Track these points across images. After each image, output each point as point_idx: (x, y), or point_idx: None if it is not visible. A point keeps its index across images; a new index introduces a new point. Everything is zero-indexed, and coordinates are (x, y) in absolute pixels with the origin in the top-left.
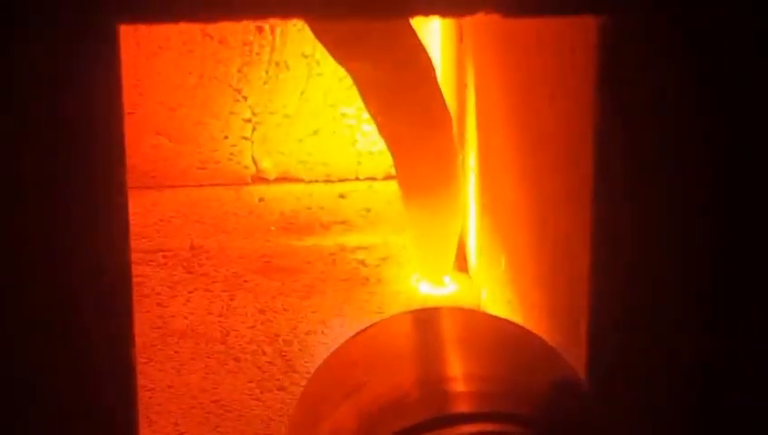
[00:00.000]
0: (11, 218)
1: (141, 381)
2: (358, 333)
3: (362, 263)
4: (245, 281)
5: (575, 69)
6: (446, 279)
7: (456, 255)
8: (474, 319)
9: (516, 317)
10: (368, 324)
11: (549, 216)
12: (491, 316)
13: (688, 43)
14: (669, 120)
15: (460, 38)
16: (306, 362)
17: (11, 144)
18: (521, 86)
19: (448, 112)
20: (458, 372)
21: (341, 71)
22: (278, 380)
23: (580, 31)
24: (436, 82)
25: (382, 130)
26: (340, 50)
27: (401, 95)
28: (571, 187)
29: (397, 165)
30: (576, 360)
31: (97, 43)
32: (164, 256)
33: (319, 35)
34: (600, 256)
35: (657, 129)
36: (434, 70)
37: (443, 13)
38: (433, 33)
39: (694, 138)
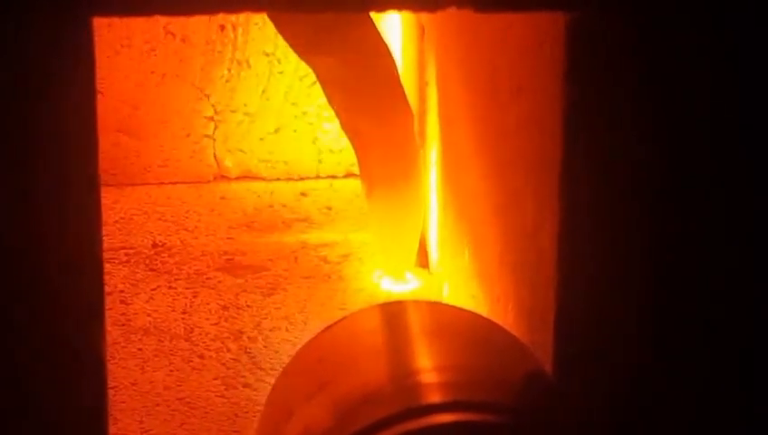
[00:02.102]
0: None
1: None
2: (326, 329)
3: (324, 260)
4: (208, 278)
5: (543, 64)
6: (408, 275)
7: (417, 251)
8: (440, 311)
9: (482, 311)
10: (332, 320)
11: (514, 209)
12: (457, 308)
13: (655, 39)
14: (636, 115)
15: (421, 35)
16: (271, 359)
17: None
18: (485, 81)
19: (410, 108)
20: (428, 363)
21: (303, 69)
22: (243, 376)
23: (549, 26)
24: (398, 77)
25: (344, 125)
26: (303, 45)
27: (363, 90)
28: (538, 180)
29: (359, 161)
30: (543, 352)
31: (71, 36)
32: (126, 254)
33: (282, 30)
34: (566, 249)
35: (623, 124)
36: (395, 66)
37: (414, 8)
38: (394, 29)
39: (659, 133)
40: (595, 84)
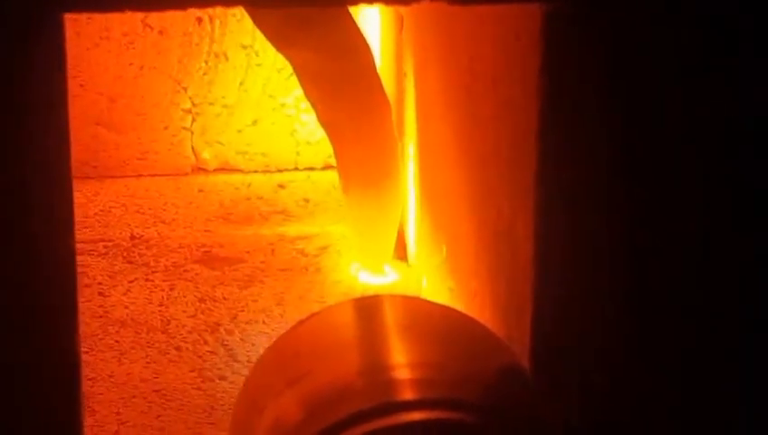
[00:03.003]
0: None
1: (83, 370)
2: (300, 322)
3: (302, 252)
4: (185, 271)
5: (519, 56)
6: (386, 268)
7: (396, 243)
8: (416, 306)
9: (458, 306)
10: (309, 313)
11: (491, 203)
12: (433, 303)
13: (631, 32)
14: (614, 106)
15: (400, 27)
16: (248, 352)
17: None
18: (462, 74)
19: (388, 101)
20: (402, 359)
21: (280, 61)
22: (219, 369)
23: (525, 18)
24: (375, 70)
25: (322, 118)
26: (280, 38)
27: (340, 83)
28: (513, 174)
29: (337, 154)
30: (520, 347)
31: (42, 33)
32: (104, 246)
33: (259, 23)
34: (543, 242)
35: (601, 115)
36: (373, 58)
37: (387, 1)
38: (372, 21)
39: (635, 126)
40: (571, 77)
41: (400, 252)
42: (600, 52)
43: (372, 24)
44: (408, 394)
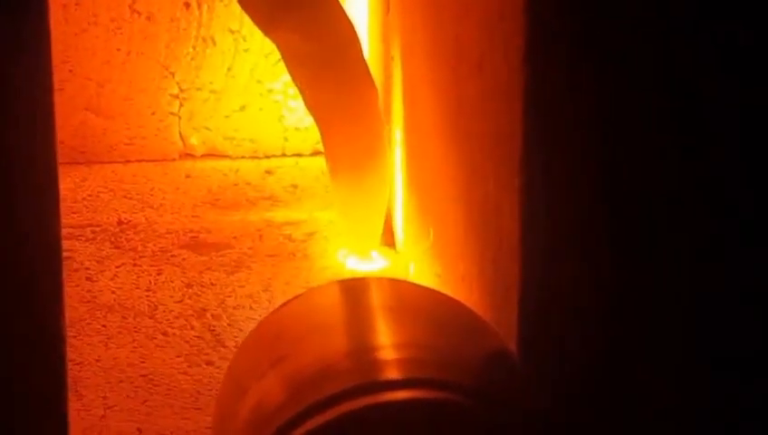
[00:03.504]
0: None
1: (70, 355)
2: (284, 304)
3: (289, 238)
4: (173, 256)
5: (504, 37)
6: (374, 254)
7: (383, 229)
8: (401, 288)
9: (446, 290)
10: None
11: (477, 186)
12: (419, 286)
13: (616, 13)
14: (599, 87)
15: (386, 10)
16: (235, 337)
17: None
18: (448, 56)
19: (374, 85)
20: (387, 339)
21: (268, 46)
22: (206, 354)
23: (510, 0)
24: (361, 54)
25: (309, 103)
26: (266, 20)
27: (326, 67)
28: (499, 156)
29: (324, 138)
30: (507, 331)
31: (27, 14)
32: (92, 231)
33: (245, 6)
34: (530, 225)
35: (586, 97)
36: (359, 42)
37: None
38: (359, 5)
39: (620, 108)
40: (556, 58)
41: (388, 238)
42: (586, 31)
43: (359, 7)
44: (392, 374)
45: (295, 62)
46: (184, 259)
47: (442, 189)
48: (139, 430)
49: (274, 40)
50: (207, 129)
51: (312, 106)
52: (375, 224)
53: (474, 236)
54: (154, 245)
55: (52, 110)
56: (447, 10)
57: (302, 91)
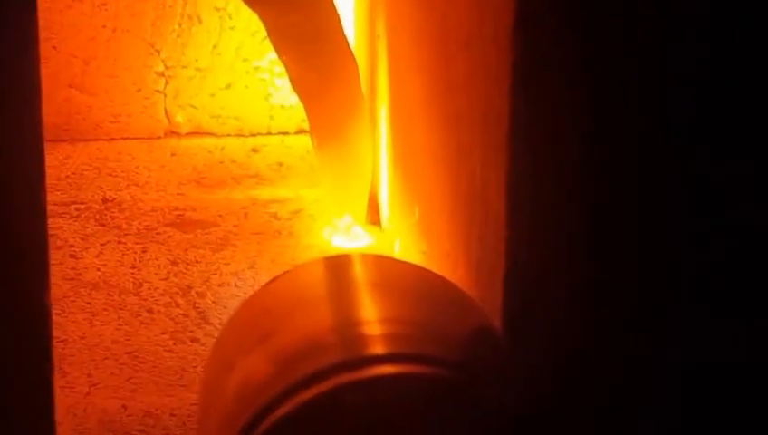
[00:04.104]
0: None
1: (54, 332)
2: (270, 281)
3: (274, 216)
4: (158, 233)
5: (493, 14)
6: (359, 231)
7: (368, 207)
8: (387, 264)
9: (431, 267)
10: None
11: (462, 164)
12: (405, 262)
13: None
14: (587, 65)
15: None
16: (220, 314)
17: None
18: (434, 33)
19: (354, 60)
20: (372, 315)
21: (254, 24)
22: (191, 331)
23: None
24: (341, 28)
25: (292, 77)
26: (256, 2)
27: (308, 41)
28: (486, 133)
29: (307, 113)
30: (492, 307)
31: None
32: (77, 209)
33: None
34: (516, 203)
35: (573, 74)
36: (338, 15)
37: None
38: None
39: (607, 87)
40: (544, 36)
41: (373, 216)
42: (573, 9)
43: None
44: (377, 349)
45: (279, 35)
46: (169, 237)
47: (428, 167)
48: (124, 407)
49: (258, 12)
50: (193, 106)
51: (295, 80)
52: (360, 196)
53: (460, 213)
54: (139, 223)
55: (38, 86)
56: None
57: (286, 67)
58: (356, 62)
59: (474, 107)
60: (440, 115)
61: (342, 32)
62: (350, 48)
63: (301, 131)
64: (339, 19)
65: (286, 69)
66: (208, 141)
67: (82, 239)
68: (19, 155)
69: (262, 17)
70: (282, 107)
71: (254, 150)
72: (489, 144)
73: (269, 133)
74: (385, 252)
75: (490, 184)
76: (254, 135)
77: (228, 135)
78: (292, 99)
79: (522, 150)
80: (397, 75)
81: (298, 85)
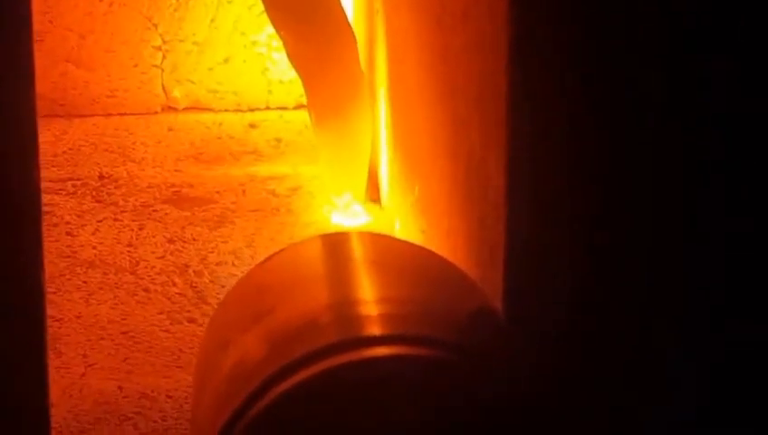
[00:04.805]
0: None
1: (49, 311)
2: (267, 259)
3: (273, 193)
4: (155, 211)
5: None
6: (359, 209)
7: (368, 184)
8: (385, 243)
9: (431, 246)
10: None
11: (461, 140)
12: (403, 241)
13: None
14: (584, 38)
15: None
16: (217, 294)
17: None
18: (433, 8)
19: (353, 35)
20: (369, 294)
21: None
22: (188, 311)
23: None
24: (340, 4)
25: (290, 52)
26: None
27: (305, 14)
28: (485, 108)
29: (305, 88)
30: (492, 287)
31: None
32: (73, 186)
33: None
34: (516, 179)
35: (571, 48)
36: None
37: None
38: None
39: (606, 60)
40: (541, 9)
41: (373, 194)
42: None
43: None
44: (374, 329)
45: (275, 10)
46: (166, 214)
47: (427, 145)
48: (120, 388)
49: None
50: (191, 81)
51: (292, 56)
52: (359, 173)
53: (459, 191)
54: (136, 199)
55: (31, 60)
56: None
57: (283, 42)
58: (355, 38)
59: (471, 82)
60: (438, 92)
61: (341, 6)
62: (348, 23)
63: (299, 106)
64: None
65: (284, 44)
66: (206, 117)
67: (78, 216)
68: (11, 130)
69: None
70: (280, 82)
71: (252, 126)
72: (487, 120)
73: (267, 108)
74: (385, 230)
75: (489, 161)
76: (252, 110)
77: (226, 110)
78: (291, 73)
79: (520, 126)
80: (395, 50)
81: (296, 61)
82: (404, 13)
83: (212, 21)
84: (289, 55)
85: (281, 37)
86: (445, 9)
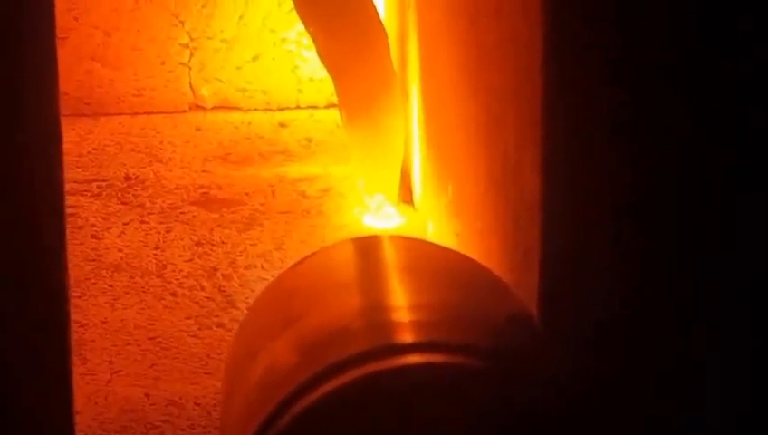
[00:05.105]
0: None
1: (74, 316)
2: (297, 263)
3: (303, 194)
4: (182, 213)
5: None
6: (391, 211)
7: (400, 185)
8: (417, 247)
9: (465, 249)
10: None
11: (496, 140)
12: (436, 245)
13: None
14: (619, 37)
15: None
16: (246, 298)
17: None
18: (465, 4)
19: (385, 31)
20: (402, 300)
21: None
22: (217, 316)
23: None
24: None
25: (321, 50)
26: None
27: (337, 12)
28: (520, 108)
29: (336, 87)
30: (527, 292)
31: None
32: (98, 187)
33: None
34: (551, 181)
35: (606, 47)
36: None
37: None
38: None
39: (642, 59)
40: (576, 6)
41: (406, 195)
42: None
43: None
44: (407, 337)
45: (305, 6)
46: (194, 216)
47: (461, 145)
48: (146, 395)
49: None
50: (219, 80)
51: (323, 53)
52: (391, 174)
53: (494, 193)
54: (163, 201)
55: (54, 57)
56: None
57: (313, 39)
58: (386, 34)
59: (505, 81)
60: (472, 90)
61: (372, 2)
62: (380, 19)
63: (330, 105)
64: None
65: (314, 41)
66: (234, 116)
67: (104, 219)
68: (35, 130)
69: None
70: (310, 80)
71: (282, 125)
72: (522, 120)
73: (297, 107)
74: (417, 233)
75: (524, 162)
76: (281, 109)
77: (255, 109)
78: (321, 71)
79: (556, 125)
80: (428, 47)
81: (326, 58)
82: (437, 9)
83: (240, 18)
84: (319, 53)
85: (310, 34)
86: (478, 6)
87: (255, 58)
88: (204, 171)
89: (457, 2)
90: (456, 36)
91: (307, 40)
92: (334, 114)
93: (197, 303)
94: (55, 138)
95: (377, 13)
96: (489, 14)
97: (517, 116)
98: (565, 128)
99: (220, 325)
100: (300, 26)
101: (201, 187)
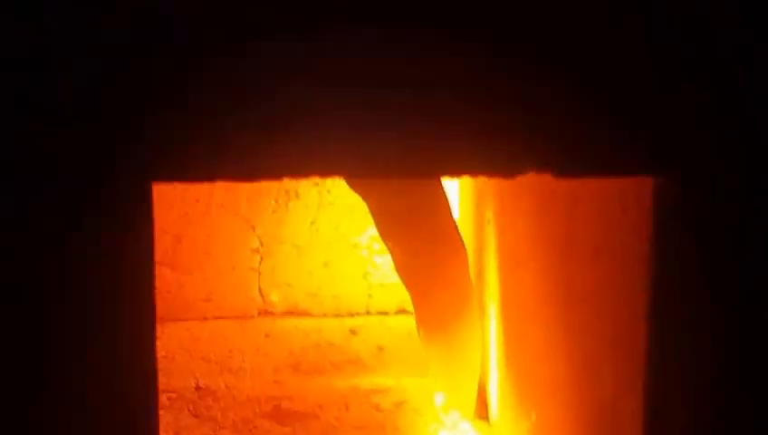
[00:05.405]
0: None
1: None
2: None
3: (377, 408)
4: (255, 426)
5: (626, 226)
6: (467, 428)
7: (477, 400)
8: None
9: None
10: None
11: (591, 380)
12: None
13: (745, 198)
14: (724, 286)
15: None
16: None
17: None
18: (557, 236)
19: (464, 249)
20: None
21: (352, 199)
22: None
23: (634, 189)
24: (451, 216)
25: (398, 265)
26: (360, 185)
27: (415, 228)
28: (618, 352)
29: (414, 304)
30: None
31: (129, 202)
32: (169, 398)
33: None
34: (652, 426)
35: (713, 294)
36: (448, 203)
37: (489, 173)
38: None
39: (754, 311)
40: (682, 252)
41: (481, 410)
42: (710, 227)
43: None
44: None
45: (383, 220)
46: (267, 431)
47: (547, 372)
48: None
49: (361, 195)
50: (289, 285)
51: (401, 268)
52: (468, 391)
53: (585, 430)
54: (235, 414)
55: (152, 278)
56: (557, 188)
57: (391, 252)
58: (466, 251)
59: (603, 322)
60: (562, 324)
61: (452, 218)
62: (460, 236)
63: (401, 311)
64: (448, 205)
65: (391, 255)
66: (305, 323)
67: (176, 433)
68: (132, 342)
69: (366, 201)
70: (381, 285)
71: (353, 332)
72: (622, 366)
73: (368, 313)
74: None
75: (623, 407)
76: (351, 315)
77: (325, 315)
78: (392, 277)
79: (661, 379)
80: (509, 269)
81: (404, 274)
82: (521, 230)
83: (312, 223)
84: (397, 267)
85: (389, 248)
86: (571, 240)
87: (326, 263)
88: (275, 382)
89: (547, 229)
90: (543, 263)
91: (378, 245)
92: (404, 320)
93: None
94: (149, 350)
95: (457, 229)
96: (584, 252)
97: (616, 357)
98: (669, 382)
99: None
100: (371, 231)
101: (273, 398)
